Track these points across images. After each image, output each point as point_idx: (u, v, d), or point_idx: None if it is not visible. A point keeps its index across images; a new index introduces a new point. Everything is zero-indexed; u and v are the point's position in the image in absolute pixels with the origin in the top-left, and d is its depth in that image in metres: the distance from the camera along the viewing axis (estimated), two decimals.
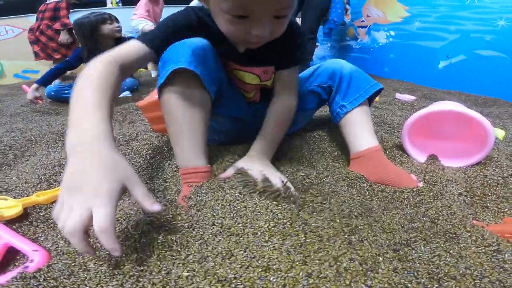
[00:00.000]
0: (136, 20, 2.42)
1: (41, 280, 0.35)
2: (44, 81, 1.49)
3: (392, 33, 2.33)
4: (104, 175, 0.33)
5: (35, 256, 0.43)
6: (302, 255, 0.36)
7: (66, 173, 0.34)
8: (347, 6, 2.20)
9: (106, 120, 0.39)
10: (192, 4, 2.68)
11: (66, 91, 1.52)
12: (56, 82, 1.58)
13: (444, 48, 1.99)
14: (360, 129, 0.68)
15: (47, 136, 0.98)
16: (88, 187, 0.32)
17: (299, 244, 0.37)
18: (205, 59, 0.53)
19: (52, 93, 1.50)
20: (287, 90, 0.67)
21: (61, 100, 1.52)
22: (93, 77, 0.44)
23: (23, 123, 1.23)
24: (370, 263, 0.35)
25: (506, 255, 0.39)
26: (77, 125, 0.38)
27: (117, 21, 1.58)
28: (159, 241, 0.40)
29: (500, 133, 0.90)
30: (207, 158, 0.58)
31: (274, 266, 0.34)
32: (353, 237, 0.39)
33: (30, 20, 3.33)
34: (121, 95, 1.64)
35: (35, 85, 1.46)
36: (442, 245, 0.41)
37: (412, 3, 2.14)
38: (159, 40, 0.54)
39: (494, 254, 0.40)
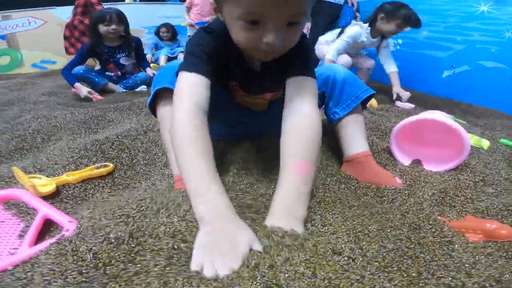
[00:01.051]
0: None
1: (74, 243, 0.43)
2: (74, 79, 1.64)
3: (400, 41, 2.38)
4: (237, 243, 0.39)
5: (70, 226, 0.49)
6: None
7: (202, 240, 0.40)
8: (357, 14, 2.25)
9: (224, 192, 0.45)
10: None
11: (93, 73, 1.69)
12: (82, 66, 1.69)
13: (449, 58, 2.03)
14: (352, 134, 0.73)
15: (71, 123, 1.08)
16: (227, 254, 0.38)
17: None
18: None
19: (81, 72, 1.63)
20: (306, 100, 0.54)
21: (86, 79, 1.66)
22: (197, 142, 0.47)
23: (47, 111, 1.34)
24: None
25: (456, 246, 0.47)
26: (200, 196, 0.44)
27: (118, 23, 1.62)
28: None
29: (486, 143, 0.96)
30: None
31: None
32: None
33: (52, 12, 3.48)
34: (137, 89, 1.75)
35: (78, 84, 1.62)
36: (406, 233, 0.49)
37: (422, 12, 2.18)
38: (206, 68, 0.53)
39: (447, 244, 0.47)
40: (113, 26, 1.61)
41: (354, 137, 0.73)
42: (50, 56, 3.54)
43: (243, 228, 0.42)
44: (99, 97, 1.59)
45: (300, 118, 0.53)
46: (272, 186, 0.58)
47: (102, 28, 1.62)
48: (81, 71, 1.63)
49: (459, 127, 0.72)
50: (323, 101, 0.77)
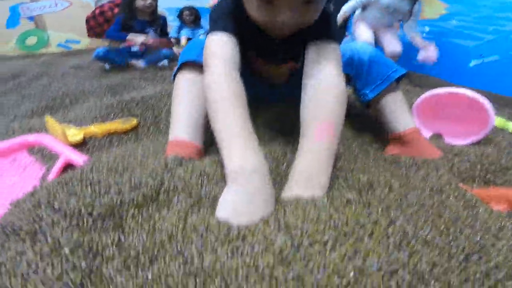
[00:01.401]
0: None
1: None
2: (123, 34, 1.76)
3: (427, 28, 2.29)
4: (265, 208, 0.38)
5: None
6: None
7: (231, 197, 0.38)
8: None
9: (262, 153, 0.42)
10: None
11: (114, 53, 1.72)
12: (103, 47, 1.75)
13: (478, 47, 1.95)
14: (392, 113, 0.67)
15: (98, 89, 1.13)
16: (253, 217, 0.36)
17: None
18: None
19: (101, 54, 1.67)
20: (329, 67, 0.51)
21: (108, 60, 1.71)
22: (231, 100, 0.44)
23: (75, 80, 1.40)
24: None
25: (480, 210, 0.44)
26: (235, 154, 0.40)
27: None
28: None
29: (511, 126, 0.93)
30: (200, 139, 0.56)
31: None
32: None
33: None
34: (160, 64, 1.78)
35: (129, 36, 1.73)
36: (428, 193, 0.47)
37: (452, 1, 2.10)
38: (232, 26, 0.52)
39: (471, 208, 0.45)
40: (149, 1, 1.69)
41: (397, 115, 0.67)
42: (75, 36, 3.66)
43: (273, 196, 0.40)
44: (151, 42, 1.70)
45: (323, 83, 0.50)
46: (290, 153, 0.55)
47: (139, 2, 1.69)
48: (101, 53, 1.67)
49: (484, 99, 0.70)
50: (348, 82, 0.72)
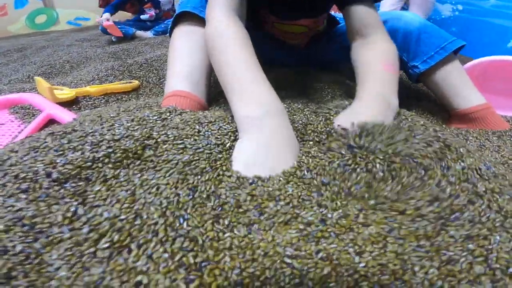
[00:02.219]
0: None
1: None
2: (112, 9, 1.69)
3: (460, 7, 2.09)
4: (289, 153, 0.31)
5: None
6: None
7: (245, 147, 0.31)
8: None
9: (276, 95, 0.36)
10: None
11: (118, 26, 1.63)
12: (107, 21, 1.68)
13: None
14: (456, 88, 0.59)
15: (101, 55, 1.04)
16: (275, 164, 0.30)
17: None
18: None
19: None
20: (377, 30, 0.48)
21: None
22: (237, 45, 0.39)
23: (79, 49, 1.31)
24: None
25: None
26: (247, 97, 0.35)
27: None
28: None
29: None
30: (202, 94, 0.49)
31: None
32: None
33: None
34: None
35: (106, 14, 1.63)
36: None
37: None
38: None
39: None
40: None
41: (460, 90, 0.59)
42: (84, 13, 3.58)
43: (294, 138, 0.34)
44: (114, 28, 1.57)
45: (375, 47, 0.47)
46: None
47: None
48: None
49: None
50: None
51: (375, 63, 0.44)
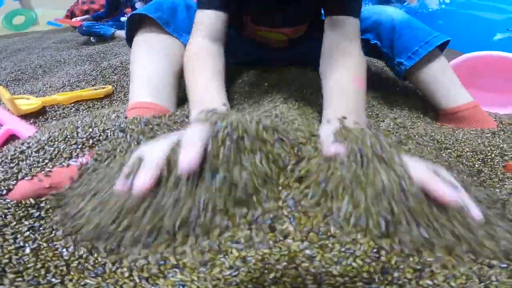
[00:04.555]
0: None
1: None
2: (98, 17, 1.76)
3: (447, 0, 2.09)
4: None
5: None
6: None
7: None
8: None
9: (223, 101, 0.39)
10: None
11: (96, 27, 1.60)
12: (88, 22, 1.68)
13: (505, 21, 1.78)
14: (442, 85, 0.58)
15: (76, 57, 0.98)
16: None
17: None
18: (177, 10, 0.52)
19: (84, 28, 1.57)
20: (354, 42, 0.46)
21: (92, 34, 1.60)
22: (205, 64, 0.44)
23: (54, 52, 1.25)
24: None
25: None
26: (199, 104, 0.38)
27: None
28: None
29: None
30: (171, 103, 0.49)
31: None
32: None
33: None
34: None
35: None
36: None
37: None
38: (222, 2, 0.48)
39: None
40: None
41: (448, 88, 0.58)
42: (64, 13, 3.47)
43: None
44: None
45: (345, 58, 0.44)
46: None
47: None
48: (84, 28, 1.59)
49: None
50: (376, 52, 0.63)
51: (345, 75, 0.42)
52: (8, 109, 0.52)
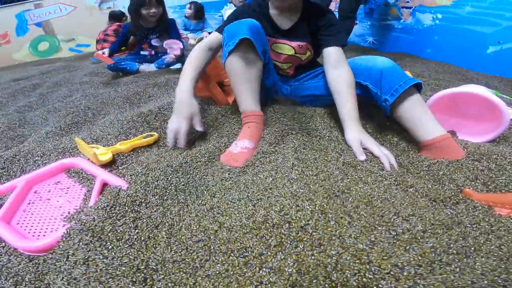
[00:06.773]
0: None
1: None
2: (112, 50, 1.86)
3: (439, 15, 2.21)
4: (186, 110, 0.76)
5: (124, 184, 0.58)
6: None
7: (174, 107, 0.77)
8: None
9: (192, 83, 0.79)
10: None
11: (122, 63, 1.77)
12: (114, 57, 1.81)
13: (496, 33, 1.87)
14: (418, 119, 0.70)
15: (116, 99, 1.18)
16: (181, 115, 0.76)
17: None
18: (258, 34, 0.75)
19: (112, 65, 1.74)
20: (342, 63, 0.79)
21: (119, 70, 1.78)
22: (191, 58, 0.83)
23: (93, 89, 1.46)
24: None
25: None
26: (179, 87, 0.79)
27: (157, 6, 1.68)
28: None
29: None
30: (260, 106, 0.79)
31: None
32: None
33: None
34: (172, 67, 1.82)
35: (107, 50, 1.82)
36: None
37: None
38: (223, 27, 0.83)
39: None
40: (153, 10, 1.67)
41: (423, 122, 0.70)
42: (84, 39, 3.74)
43: (193, 104, 0.78)
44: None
45: (341, 72, 0.78)
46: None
47: (143, 11, 1.69)
48: (112, 65, 1.75)
49: (497, 99, 0.69)
50: (368, 92, 0.79)
51: (347, 91, 0.75)
52: (88, 159, 0.71)
